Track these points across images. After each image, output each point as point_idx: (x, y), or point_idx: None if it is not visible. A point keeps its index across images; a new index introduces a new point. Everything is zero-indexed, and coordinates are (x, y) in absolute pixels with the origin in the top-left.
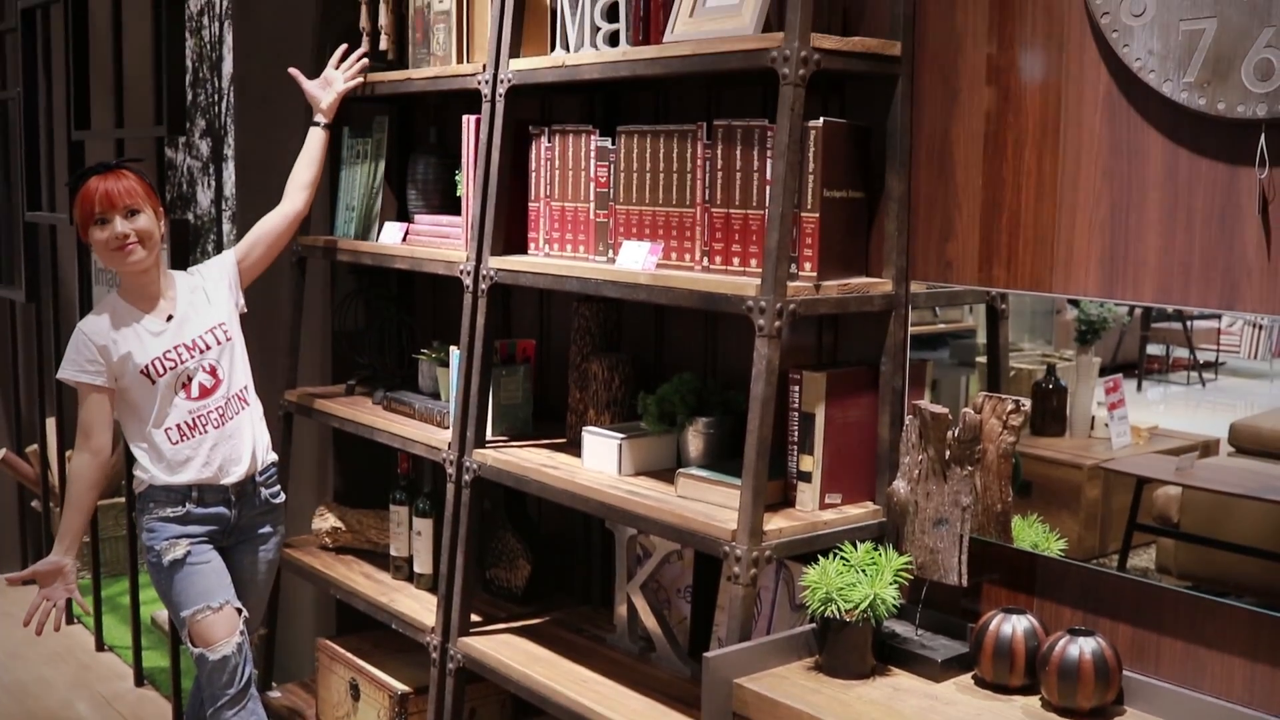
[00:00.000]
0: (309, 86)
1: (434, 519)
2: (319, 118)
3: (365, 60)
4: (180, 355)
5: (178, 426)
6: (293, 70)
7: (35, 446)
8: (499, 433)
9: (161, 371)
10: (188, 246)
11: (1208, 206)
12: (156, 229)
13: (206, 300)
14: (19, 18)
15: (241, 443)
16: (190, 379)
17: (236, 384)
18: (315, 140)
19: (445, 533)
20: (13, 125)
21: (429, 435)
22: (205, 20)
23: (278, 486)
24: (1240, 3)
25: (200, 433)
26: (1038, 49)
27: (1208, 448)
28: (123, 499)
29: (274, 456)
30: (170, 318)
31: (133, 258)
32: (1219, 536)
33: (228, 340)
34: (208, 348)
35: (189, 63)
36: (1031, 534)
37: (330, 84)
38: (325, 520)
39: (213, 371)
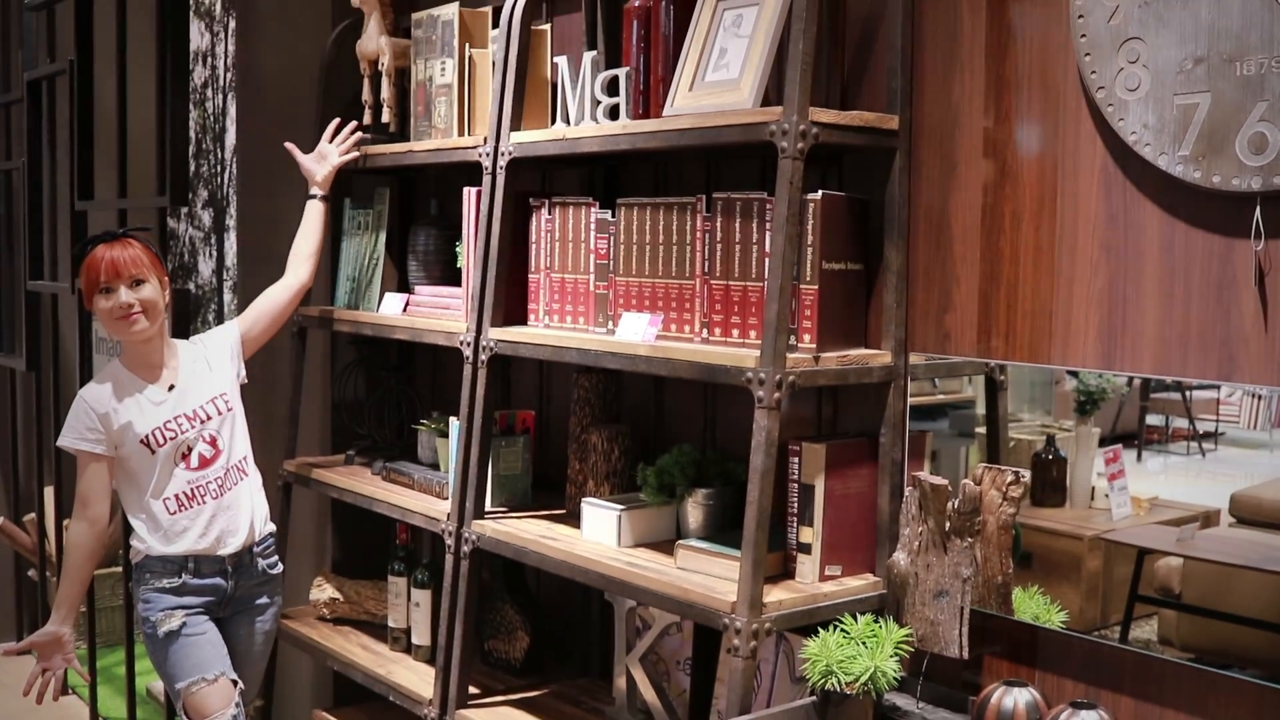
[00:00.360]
0: (304, 160)
1: (432, 590)
2: (315, 190)
3: (359, 134)
4: (181, 425)
5: (176, 497)
6: (288, 145)
7: (33, 515)
8: (498, 503)
9: (162, 441)
10: (189, 316)
11: (1204, 278)
12: (161, 299)
13: (208, 370)
14: (25, 89)
15: (239, 514)
16: (190, 449)
17: (236, 454)
18: (314, 212)
19: (444, 604)
20: (17, 195)
21: (428, 506)
22: (209, 92)
23: (275, 557)
24: (1233, 78)
25: (198, 503)
26: (1034, 123)
27: (1209, 518)
28: (119, 569)
29: (272, 527)
30: (172, 387)
31: (136, 327)
32: (1221, 608)
33: (229, 410)
34: (208, 418)
35: (192, 134)
36: (1032, 606)
37: (325, 157)
38: (323, 591)
39: (213, 442)
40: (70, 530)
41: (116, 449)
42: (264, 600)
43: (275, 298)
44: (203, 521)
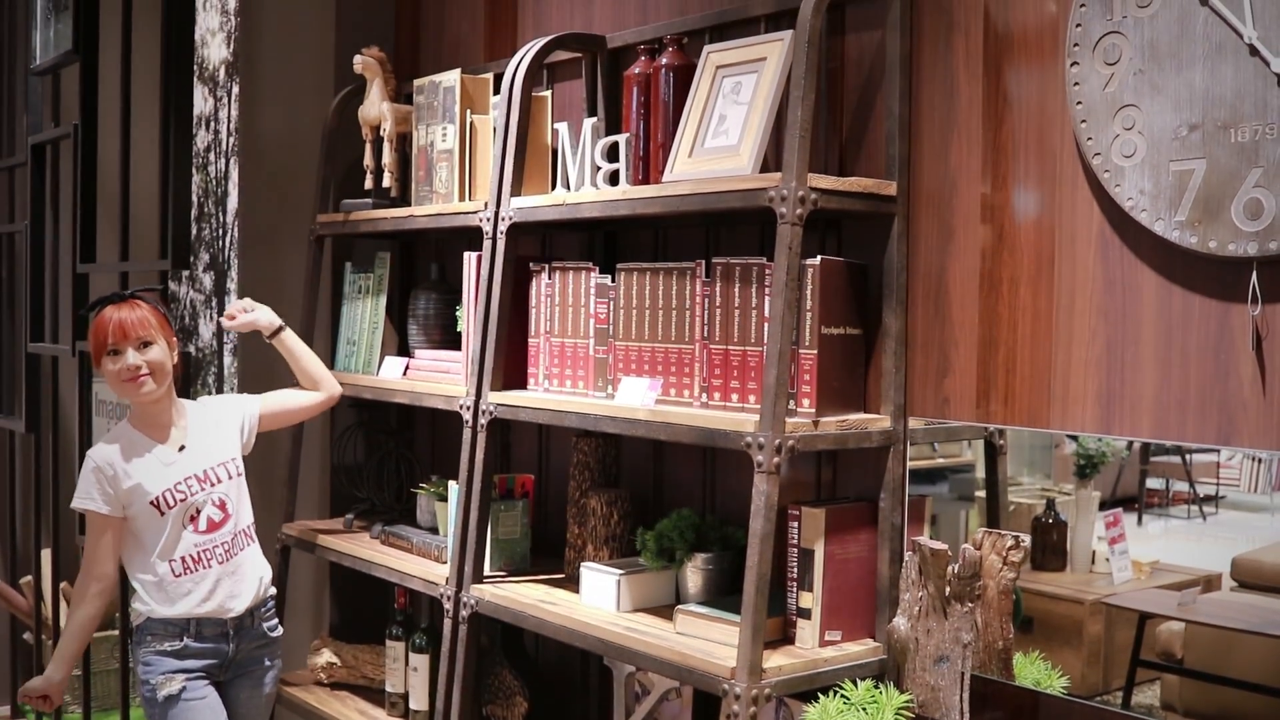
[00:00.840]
0: (242, 321)
1: (431, 654)
2: (269, 331)
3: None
4: (191, 487)
5: (183, 559)
6: (223, 321)
7: (30, 578)
8: (497, 568)
9: (172, 503)
10: (189, 379)
11: (1202, 343)
12: (169, 360)
13: (218, 433)
14: (29, 153)
15: (245, 578)
16: (199, 512)
17: (244, 519)
18: (290, 340)
19: (442, 668)
20: (19, 257)
21: (427, 570)
22: (211, 156)
23: (276, 619)
24: (1228, 145)
25: (204, 566)
26: (1031, 189)
27: (1210, 582)
28: (116, 631)
29: (273, 590)
30: (182, 448)
31: (144, 389)
32: (1224, 673)
33: (238, 475)
34: (218, 481)
35: (195, 198)
36: (1033, 671)
37: (247, 309)
38: (321, 655)
39: (222, 505)
40: (76, 588)
41: (125, 509)
42: (265, 662)
43: (303, 398)
44: (207, 585)
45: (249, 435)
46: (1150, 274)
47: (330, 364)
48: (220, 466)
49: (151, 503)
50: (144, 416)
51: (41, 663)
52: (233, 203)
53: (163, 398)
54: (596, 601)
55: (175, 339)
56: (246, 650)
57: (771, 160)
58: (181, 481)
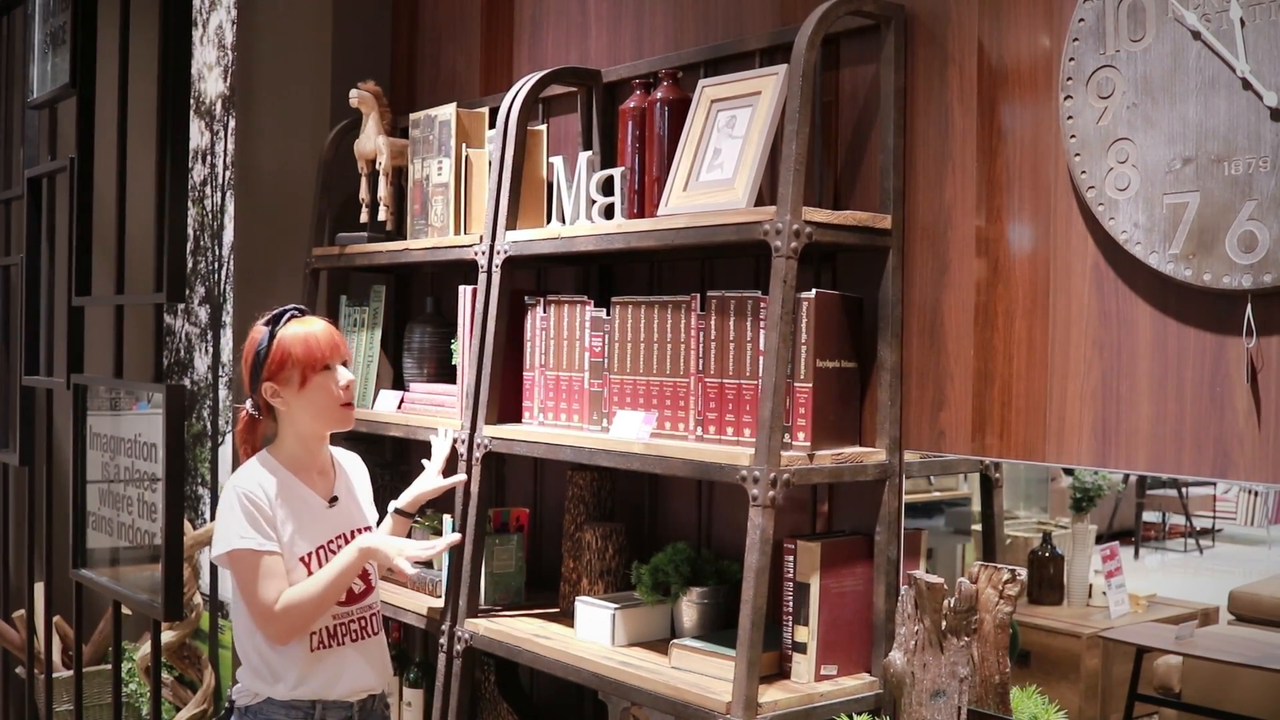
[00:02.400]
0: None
1: (425, 689)
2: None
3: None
4: (338, 548)
5: (323, 631)
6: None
7: (22, 612)
8: (491, 602)
9: (323, 563)
10: (184, 412)
11: (1197, 376)
12: None
13: (362, 492)
14: (25, 185)
15: (377, 658)
16: None
17: (378, 595)
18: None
19: (436, 703)
20: (15, 290)
21: (421, 604)
22: (208, 190)
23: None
24: (1222, 178)
25: (338, 643)
26: (1025, 222)
27: (1207, 616)
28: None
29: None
30: (334, 500)
31: (353, 418)
32: (1221, 707)
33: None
34: None
35: (191, 231)
36: (1031, 705)
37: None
38: None
39: (364, 575)
40: (280, 611)
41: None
42: None
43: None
44: (342, 664)
45: (370, 508)
46: (1145, 307)
47: None
48: (366, 530)
49: (303, 559)
50: (303, 458)
51: (34, 698)
52: (228, 236)
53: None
54: (591, 636)
55: None
56: None
57: (766, 194)
58: (335, 539)
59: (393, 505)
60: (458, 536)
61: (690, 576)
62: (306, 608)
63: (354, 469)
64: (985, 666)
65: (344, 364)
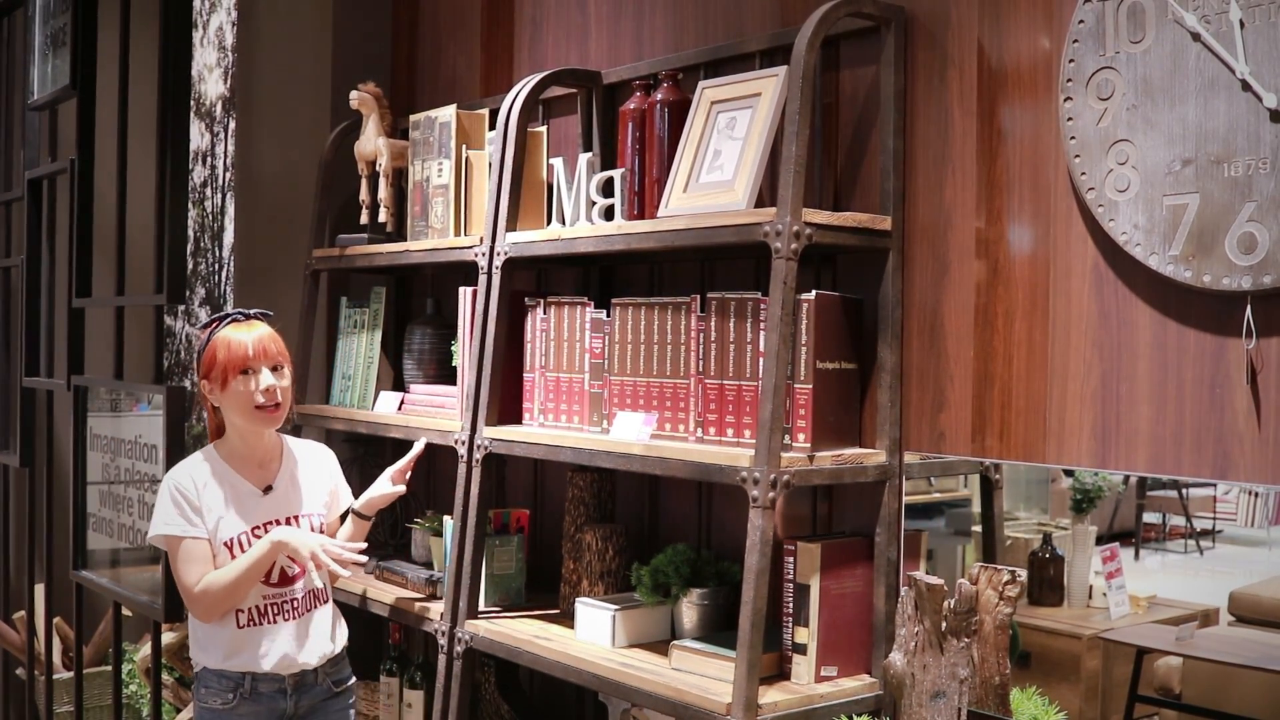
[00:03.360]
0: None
1: (425, 691)
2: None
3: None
4: (267, 533)
5: (250, 610)
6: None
7: (22, 613)
8: (492, 603)
9: (247, 546)
10: (183, 414)
11: (1197, 377)
12: (291, 390)
13: (310, 482)
14: (26, 187)
15: (311, 637)
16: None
17: (318, 579)
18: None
19: (436, 705)
20: (15, 291)
21: (421, 606)
22: (208, 191)
23: (347, 671)
24: (1222, 179)
25: (269, 621)
26: (1025, 223)
27: (1208, 617)
28: (109, 667)
29: (344, 644)
30: (269, 489)
31: (277, 418)
32: (1222, 708)
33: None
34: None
35: (191, 232)
36: (1031, 706)
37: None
38: None
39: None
40: (199, 588)
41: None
42: (333, 714)
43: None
44: (271, 641)
45: (331, 503)
46: (1145, 308)
47: (326, 399)
48: (305, 517)
49: (226, 543)
50: (240, 449)
51: (34, 699)
52: (229, 237)
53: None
54: (592, 637)
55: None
56: (308, 704)
57: (766, 195)
58: (265, 524)
59: (351, 506)
60: (363, 545)
61: (690, 578)
62: (221, 592)
63: (313, 461)
64: (985, 668)
65: (274, 368)
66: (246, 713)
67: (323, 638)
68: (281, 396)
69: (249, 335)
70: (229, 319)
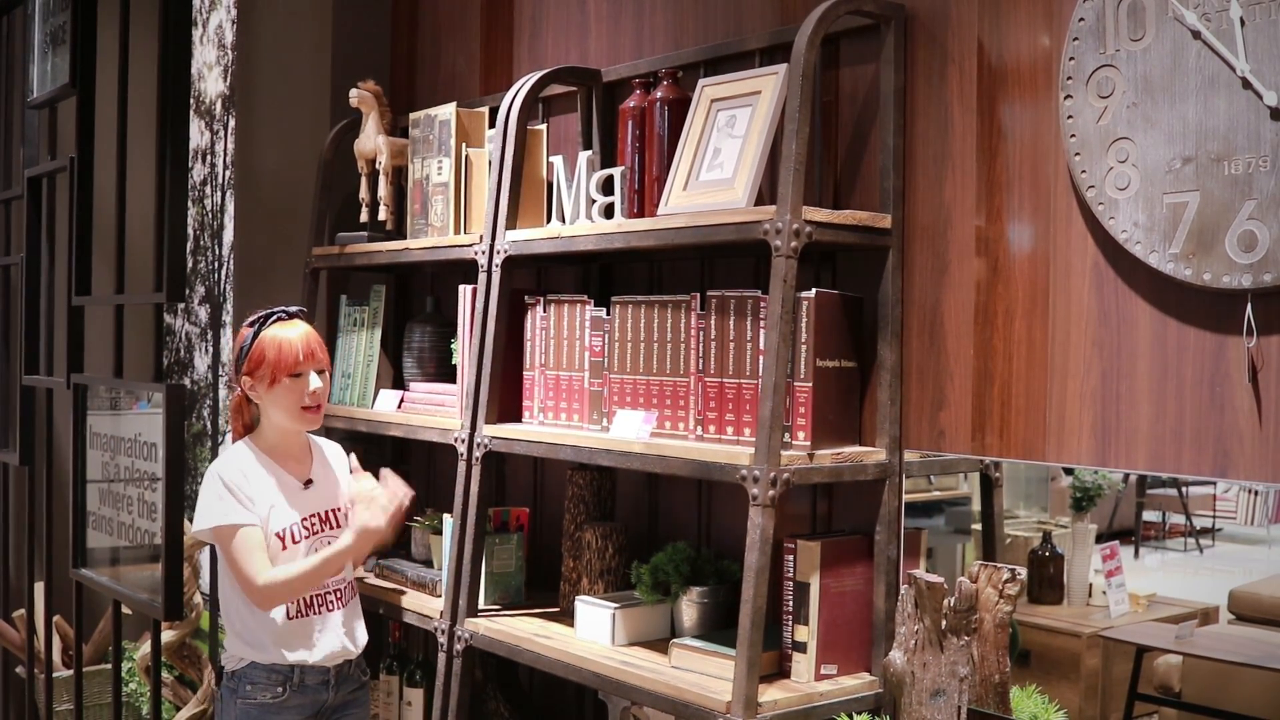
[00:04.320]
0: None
1: (425, 689)
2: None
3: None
4: (314, 525)
5: (302, 601)
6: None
7: (22, 611)
8: (491, 601)
9: (299, 538)
10: (184, 412)
11: (1197, 375)
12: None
13: (340, 477)
14: (25, 185)
15: (354, 625)
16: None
17: (352, 569)
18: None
19: (436, 703)
20: (15, 290)
21: (421, 604)
22: (208, 190)
23: (364, 663)
24: (1222, 177)
25: (316, 612)
26: (1025, 221)
27: (1207, 615)
28: (109, 665)
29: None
30: (309, 483)
31: (319, 418)
32: (1222, 706)
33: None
34: (338, 525)
35: (191, 231)
36: (1031, 705)
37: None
38: None
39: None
40: (264, 584)
41: None
42: (355, 710)
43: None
44: (322, 631)
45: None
46: (1145, 306)
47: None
48: (341, 511)
49: (278, 534)
50: (279, 445)
51: (35, 697)
52: (228, 235)
53: None
54: (591, 635)
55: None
56: (344, 696)
57: (766, 193)
58: (309, 517)
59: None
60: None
61: (690, 576)
62: (297, 583)
63: (334, 456)
64: (985, 666)
65: (319, 371)
66: (295, 705)
67: (361, 626)
68: (323, 398)
69: (298, 338)
70: (273, 317)
